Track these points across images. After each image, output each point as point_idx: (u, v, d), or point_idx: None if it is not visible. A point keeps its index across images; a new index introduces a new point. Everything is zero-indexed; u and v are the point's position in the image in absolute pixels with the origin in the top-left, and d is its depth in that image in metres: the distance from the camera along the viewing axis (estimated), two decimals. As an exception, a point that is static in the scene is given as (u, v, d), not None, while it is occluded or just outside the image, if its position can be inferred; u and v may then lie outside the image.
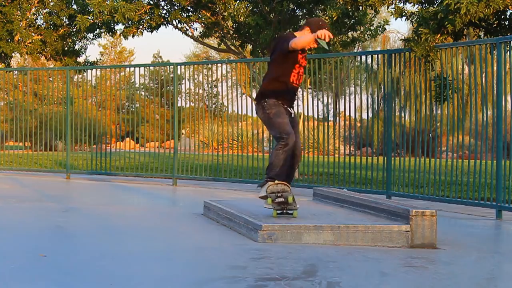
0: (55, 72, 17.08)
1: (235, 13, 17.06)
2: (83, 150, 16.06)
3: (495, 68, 9.46)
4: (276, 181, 6.49)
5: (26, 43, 19.43)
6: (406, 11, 11.23)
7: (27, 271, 4.86)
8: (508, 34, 10.36)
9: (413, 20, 11.30)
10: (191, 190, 12.46)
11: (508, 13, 10.58)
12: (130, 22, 17.14)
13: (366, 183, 11.64)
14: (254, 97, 6.93)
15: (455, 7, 9.69)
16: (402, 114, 11.22)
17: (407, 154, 10.83)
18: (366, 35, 18.06)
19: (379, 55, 11.68)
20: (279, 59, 6.67)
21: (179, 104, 14.41)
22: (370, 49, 37.79)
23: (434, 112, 10.96)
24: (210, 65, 15.43)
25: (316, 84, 12.67)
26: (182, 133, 16.09)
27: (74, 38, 20.49)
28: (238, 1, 17.25)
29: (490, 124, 9.66)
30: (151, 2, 17.52)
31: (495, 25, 10.61)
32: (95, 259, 5.36)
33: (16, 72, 17.89)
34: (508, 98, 10.82)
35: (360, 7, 11.70)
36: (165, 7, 18.01)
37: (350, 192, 8.52)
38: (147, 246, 6.06)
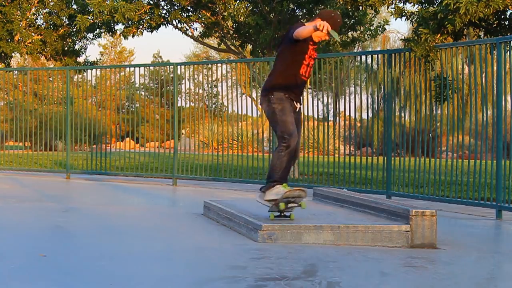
0: (55, 72, 17.08)
1: (235, 13, 17.06)
2: (83, 150, 16.05)
3: (495, 68, 9.46)
4: (294, 187, 6.33)
5: (26, 43, 19.43)
6: (406, 11, 11.23)
7: (27, 271, 4.86)
8: (508, 34, 10.36)
9: (413, 20, 11.30)
10: (191, 190, 12.46)
11: (508, 13, 10.58)
12: (130, 22, 17.14)
13: (366, 183, 11.64)
14: (261, 89, 6.65)
15: (455, 6, 9.69)
16: (402, 114, 11.22)
17: (407, 154, 10.83)
18: (366, 35, 18.07)
19: (379, 55, 11.68)
20: (288, 50, 6.43)
21: (179, 104, 14.42)
22: (370, 49, 37.79)
23: (434, 112, 10.96)
24: (210, 65, 15.44)
25: (316, 84, 12.67)
26: (182, 133, 16.09)
27: (74, 38, 20.49)
28: (238, 1, 17.25)
29: (490, 124, 9.66)
30: (151, 2, 17.51)
31: (495, 25, 10.62)
32: (95, 259, 5.36)
33: (16, 72, 17.89)
34: (508, 98, 10.82)
35: (360, 7, 11.70)
36: (165, 7, 18.01)
37: (350, 192, 8.52)
38: (147, 246, 6.06)
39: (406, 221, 6.28)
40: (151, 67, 17.77)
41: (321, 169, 12.42)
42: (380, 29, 18.31)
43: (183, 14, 17.96)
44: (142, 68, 15.91)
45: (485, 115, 9.57)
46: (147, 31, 17.98)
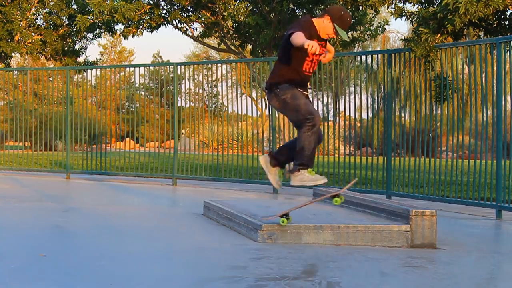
0: (55, 72, 17.08)
1: (235, 13, 17.08)
2: (83, 150, 16.06)
3: (495, 68, 9.46)
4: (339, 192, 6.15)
5: (26, 43, 19.44)
6: (406, 11, 11.24)
7: (27, 271, 4.86)
8: (508, 34, 10.36)
9: (413, 20, 11.31)
10: (191, 190, 12.46)
11: (508, 13, 10.59)
12: (130, 22, 17.15)
13: (366, 183, 11.64)
14: (264, 87, 6.44)
15: (454, 6, 9.69)
16: (402, 114, 11.22)
17: (407, 154, 10.83)
18: (366, 35, 18.08)
19: (379, 55, 11.68)
20: (290, 46, 6.06)
21: (179, 104, 14.42)
22: (370, 49, 37.79)
23: (434, 112, 10.96)
24: (210, 65, 15.43)
25: (316, 84, 12.67)
26: (182, 133, 16.09)
27: (74, 38, 20.50)
28: (238, 1, 17.26)
29: (490, 124, 9.66)
30: (151, 2, 17.52)
31: (495, 25, 10.62)
32: (95, 259, 5.36)
33: (16, 72, 17.89)
34: (508, 98, 10.82)
35: (360, 7, 11.71)
36: (165, 7, 18.02)
37: (350, 192, 8.52)
38: (147, 246, 6.06)
39: (406, 221, 6.28)
40: (151, 67, 17.77)
41: (321, 169, 12.42)
42: (380, 29, 18.33)
43: (183, 14, 17.98)
44: (142, 68, 15.91)
45: (485, 115, 9.57)
46: (147, 31, 18.00)
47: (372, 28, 18.09)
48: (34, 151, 16.24)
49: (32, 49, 19.54)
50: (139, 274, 4.82)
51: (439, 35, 10.25)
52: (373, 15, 17.79)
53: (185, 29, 18.79)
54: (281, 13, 17.05)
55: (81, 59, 21.08)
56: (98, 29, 18.94)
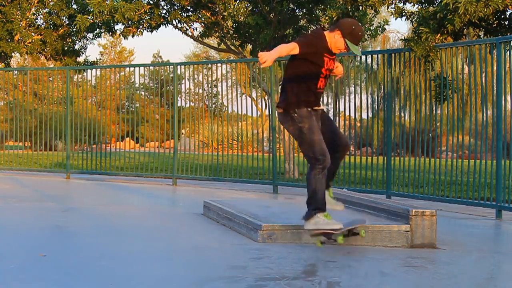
0: (55, 72, 17.08)
1: (235, 13, 17.06)
2: (83, 150, 16.06)
3: (495, 68, 9.46)
4: (329, 228, 5.75)
5: (26, 43, 19.43)
6: (406, 11, 11.23)
7: (27, 271, 4.87)
8: (508, 34, 10.36)
9: (413, 20, 11.31)
10: (191, 190, 12.46)
11: (508, 13, 10.58)
12: (130, 22, 17.14)
13: (366, 183, 11.64)
14: (277, 103, 6.03)
15: (454, 6, 9.69)
16: (402, 114, 11.23)
17: (407, 154, 10.83)
18: (366, 35, 18.06)
19: (379, 55, 11.68)
20: (301, 64, 5.81)
21: (179, 104, 14.42)
22: (370, 49, 37.80)
23: (434, 112, 10.96)
24: (210, 65, 15.43)
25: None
26: (182, 133, 16.09)
27: (74, 38, 20.48)
28: (238, 1, 17.25)
29: (490, 124, 9.66)
30: (151, 2, 17.51)
31: (495, 25, 10.62)
32: (95, 259, 5.36)
33: (16, 72, 17.89)
34: (508, 98, 10.81)
35: (360, 7, 11.70)
36: (165, 7, 18.00)
37: (350, 192, 8.52)
38: (147, 246, 6.06)
39: (406, 221, 6.28)
40: (151, 67, 17.77)
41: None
42: (380, 29, 18.31)
43: (183, 14, 17.96)
44: (142, 68, 15.91)
45: (485, 115, 9.57)
46: (147, 31, 17.97)
47: (372, 28, 18.07)
48: (34, 151, 16.24)
49: (32, 49, 19.52)
50: (139, 274, 4.82)
51: (439, 35, 10.25)
52: (373, 15, 17.78)
53: (185, 29, 18.77)
54: (281, 13, 17.04)
55: (81, 59, 21.07)
56: (98, 29, 18.91)
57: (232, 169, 13.16)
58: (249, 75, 14.07)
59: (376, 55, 12.01)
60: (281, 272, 4.92)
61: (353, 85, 11.98)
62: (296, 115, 5.80)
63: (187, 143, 15.44)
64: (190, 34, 19.04)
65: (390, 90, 10.94)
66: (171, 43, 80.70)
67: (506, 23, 10.61)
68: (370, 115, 11.81)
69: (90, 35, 20.29)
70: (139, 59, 64.67)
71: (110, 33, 18.74)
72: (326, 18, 14.89)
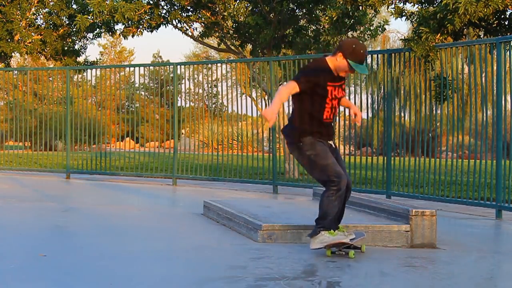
0: (55, 72, 17.07)
1: (235, 13, 17.06)
2: (83, 150, 16.06)
3: (495, 68, 9.46)
4: (339, 239, 5.55)
5: (26, 43, 19.43)
6: (406, 11, 11.23)
7: (27, 271, 4.87)
8: (508, 34, 10.36)
9: (413, 20, 11.31)
10: (191, 190, 12.46)
11: (508, 13, 10.59)
12: (130, 22, 17.14)
13: (366, 183, 11.64)
14: (282, 130, 5.89)
15: (454, 6, 9.69)
16: (402, 114, 11.23)
17: (407, 154, 10.83)
18: (366, 35, 18.06)
19: (379, 55, 11.68)
20: (304, 95, 5.60)
21: (179, 104, 14.42)
22: (370, 49, 37.81)
23: (434, 112, 10.96)
24: (210, 65, 15.43)
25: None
26: (182, 133, 16.09)
27: (74, 38, 20.48)
28: (238, 1, 17.26)
29: (490, 124, 9.66)
30: (151, 2, 17.51)
31: (494, 25, 10.62)
32: (95, 259, 5.36)
33: (16, 72, 17.89)
34: (508, 98, 10.82)
35: (360, 7, 11.70)
36: (165, 7, 18.01)
37: (350, 192, 8.51)
38: (147, 246, 6.06)
39: (406, 221, 6.28)
40: (151, 67, 17.77)
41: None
42: (380, 29, 18.31)
43: (183, 14, 17.96)
44: (142, 68, 15.91)
45: (485, 115, 9.57)
46: (147, 31, 17.97)
47: (372, 28, 18.07)
48: (34, 151, 16.24)
49: (32, 49, 19.52)
50: (139, 274, 4.82)
51: (439, 35, 10.25)
52: (373, 15, 17.78)
53: (185, 29, 18.77)
54: (281, 13, 17.04)
55: (81, 59, 21.07)
56: (98, 29, 18.92)
57: (232, 169, 13.16)
58: (249, 75, 14.07)
59: (376, 55, 12.01)
60: (281, 272, 4.92)
61: (353, 85, 11.98)
62: (301, 144, 5.61)
63: (187, 143, 15.44)
64: (190, 34, 19.04)
65: (390, 90, 10.94)
66: (171, 43, 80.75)
67: (506, 23, 10.61)
68: (370, 115, 11.81)
69: (90, 35, 20.29)
70: (139, 59, 64.73)
71: (110, 33, 18.74)
72: (326, 18, 14.89)
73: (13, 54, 20.20)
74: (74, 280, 4.62)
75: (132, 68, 16.35)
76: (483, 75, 9.60)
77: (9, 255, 5.44)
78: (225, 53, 32.50)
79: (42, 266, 5.02)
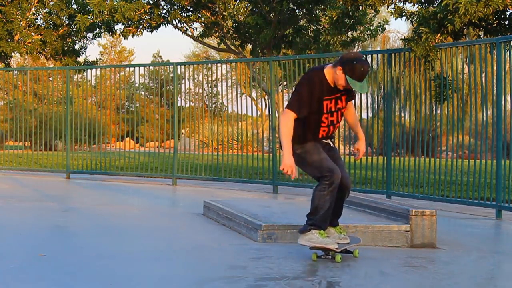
0: (55, 72, 17.08)
1: (235, 13, 17.08)
2: (83, 150, 16.06)
3: (495, 68, 9.46)
4: (328, 243, 5.37)
5: (26, 43, 19.44)
6: (406, 11, 11.23)
7: (27, 271, 4.87)
8: (508, 33, 10.36)
9: (413, 20, 11.31)
10: (191, 190, 12.46)
11: (508, 13, 10.59)
12: (130, 21, 17.15)
13: (366, 183, 11.64)
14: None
15: (454, 7, 9.69)
16: (402, 114, 11.23)
17: (407, 154, 10.83)
18: (366, 34, 18.08)
19: (379, 55, 11.68)
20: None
21: (179, 104, 14.42)
22: (370, 49, 37.78)
23: (434, 112, 10.96)
24: (210, 65, 15.43)
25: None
26: (182, 133, 16.09)
27: (74, 38, 20.50)
28: (238, 1, 17.26)
29: (490, 124, 9.66)
30: (151, 2, 17.52)
31: (494, 24, 10.62)
32: (95, 259, 5.36)
33: (16, 71, 17.89)
34: (508, 97, 10.81)
35: (360, 7, 11.70)
36: (165, 7, 18.02)
37: (350, 192, 8.51)
38: (147, 246, 6.06)
39: (406, 221, 6.28)
40: (151, 67, 17.77)
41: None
42: (380, 29, 18.32)
43: (183, 14, 17.98)
44: (142, 68, 15.91)
45: (485, 115, 9.57)
46: (147, 31, 18.01)
47: (372, 28, 18.08)
48: (34, 151, 16.24)
49: (32, 49, 19.54)
50: (139, 274, 4.82)
51: (439, 34, 10.25)
52: (373, 15, 17.79)
53: (185, 29, 18.79)
54: (281, 13, 17.05)
55: (81, 59, 21.09)
56: (98, 29, 18.95)
57: (232, 169, 13.16)
58: (249, 75, 14.07)
59: (376, 55, 12.01)
60: (281, 272, 4.92)
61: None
62: (295, 150, 5.39)
63: (187, 143, 15.44)
64: (190, 34, 19.05)
65: (390, 90, 10.94)
66: (171, 43, 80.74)
67: (506, 23, 10.61)
68: (370, 115, 11.81)
69: (90, 35, 20.32)
70: (139, 59, 64.73)
71: (110, 33, 18.76)
72: (326, 18, 14.89)
73: (13, 54, 20.22)
74: (74, 280, 4.62)
75: (132, 68, 16.34)
76: (483, 75, 9.60)
77: (9, 255, 5.44)
78: (225, 53, 32.50)
79: (42, 266, 5.02)
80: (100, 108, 16.03)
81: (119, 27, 18.09)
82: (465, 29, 10.87)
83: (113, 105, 16.63)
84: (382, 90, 11.66)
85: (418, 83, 10.76)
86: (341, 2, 12.04)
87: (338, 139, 14.46)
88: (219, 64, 14.14)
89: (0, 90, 17.58)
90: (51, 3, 19.73)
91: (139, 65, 15.18)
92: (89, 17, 17.24)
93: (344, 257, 5.50)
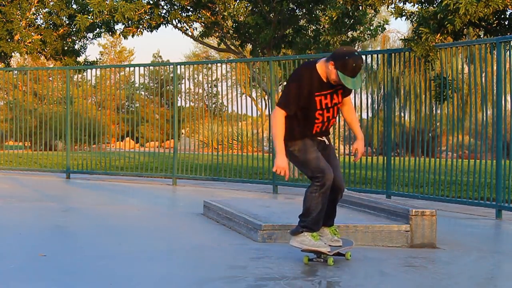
0: (55, 72, 17.08)
1: (235, 12, 17.07)
2: (83, 150, 16.06)
3: (495, 68, 9.46)
4: (319, 246, 5.26)
5: (26, 43, 19.43)
6: (406, 11, 11.23)
7: (27, 271, 4.87)
8: (508, 33, 10.36)
9: (413, 19, 11.31)
10: (191, 190, 12.46)
11: (508, 13, 10.59)
12: (130, 21, 17.15)
13: (366, 183, 11.64)
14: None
15: (454, 7, 9.69)
16: (402, 114, 11.23)
17: (407, 153, 10.83)
18: (366, 35, 18.07)
19: (379, 55, 11.68)
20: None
21: (179, 104, 14.42)
22: (370, 49, 37.79)
23: (434, 111, 10.96)
24: (210, 65, 15.43)
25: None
26: (182, 133, 16.09)
27: (74, 38, 20.49)
28: (238, 1, 17.26)
29: (490, 123, 9.66)
30: (151, 2, 17.52)
31: (494, 24, 10.62)
32: (95, 259, 5.36)
33: (16, 71, 17.89)
34: (508, 97, 10.82)
35: (360, 7, 11.70)
36: (165, 7, 18.02)
37: (350, 192, 8.52)
38: (147, 246, 6.06)
39: (406, 221, 6.29)
40: (151, 67, 17.77)
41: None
42: (380, 29, 18.32)
43: (183, 14, 17.97)
44: (142, 68, 15.91)
45: (485, 115, 9.57)
46: (147, 31, 17.99)
47: (372, 27, 18.08)
48: (34, 151, 16.24)
49: (32, 49, 19.53)
50: (139, 274, 4.82)
51: (439, 34, 10.25)
52: (373, 14, 17.79)
53: (185, 29, 18.78)
54: (281, 13, 17.05)
55: (81, 59, 21.08)
56: (98, 29, 18.95)
57: (232, 169, 13.16)
58: (249, 75, 14.06)
59: (376, 55, 12.01)
60: (281, 272, 4.92)
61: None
62: (287, 147, 5.26)
63: (187, 143, 15.44)
64: (190, 34, 19.04)
65: (390, 90, 10.94)
66: (171, 43, 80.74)
67: (506, 23, 10.61)
68: (370, 115, 11.81)
69: (90, 35, 20.30)
70: (139, 59, 64.72)
71: (110, 33, 18.75)
72: (326, 18, 14.89)
73: (13, 54, 20.21)
74: (74, 280, 4.62)
75: (132, 68, 16.34)
76: (483, 75, 9.60)
77: (9, 255, 5.44)
78: (225, 53, 32.51)
79: (42, 266, 5.02)
80: (100, 108, 16.03)
81: (119, 27, 18.09)
82: (465, 29, 10.87)
83: (113, 105, 16.63)
84: (382, 90, 11.66)
85: (418, 83, 10.76)
86: (341, 2, 12.04)
87: (338, 139, 14.47)
88: (219, 64, 14.13)
89: (0, 90, 17.58)
90: (51, 3, 19.72)
91: (139, 65, 15.18)
92: (89, 17, 17.23)
93: (344, 257, 5.50)
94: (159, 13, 17.56)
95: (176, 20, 18.12)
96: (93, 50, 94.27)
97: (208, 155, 14.17)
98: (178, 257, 5.61)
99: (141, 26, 17.58)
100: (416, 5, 11.21)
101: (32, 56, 20.28)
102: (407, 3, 11.23)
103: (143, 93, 22.24)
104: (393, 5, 11.25)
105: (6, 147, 16.37)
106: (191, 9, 17.99)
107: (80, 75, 18.68)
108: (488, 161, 10.22)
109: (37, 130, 16.36)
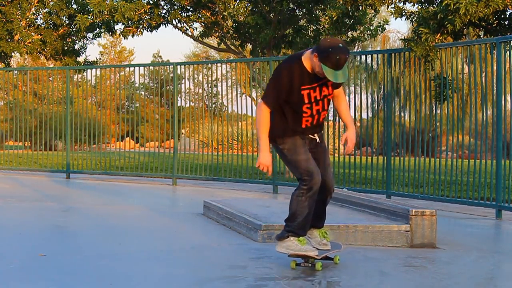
0: (55, 71, 17.08)
1: (235, 12, 17.08)
2: (83, 150, 16.06)
3: (495, 67, 9.46)
4: (307, 250, 5.07)
5: (26, 43, 19.44)
6: (406, 11, 11.23)
7: (27, 271, 4.87)
8: (508, 33, 10.36)
9: (413, 20, 11.31)
10: (191, 190, 12.46)
11: (508, 13, 10.59)
12: (130, 21, 17.15)
13: (366, 183, 11.64)
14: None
15: (454, 7, 9.69)
16: (402, 114, 11.23)
17: (407, 153, 10.83)
18: (366, 34, 18.08)
19: (379, 55, 11.68)
20: (278, 107, 5.05)
21: (179, 104, 14.42)
22: (370, 49, 37.78)
23: (434, 111, 10.96)
24: (210, 65, 15.43)
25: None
26: (182, 133, 16.09)
27: (74, 38, 20.50)
28: (238, 1, 17.27)
29: (490, 123, 9.66)
30: (151, 2, 17.53)
31: (494, 24, 10.62)
32: (95, 259, 5.36)
33: (16, 71, 17.89)
34: (508, 97, 10.81)
35: (360, 7, 11.70)
36: (165, 7, 18.02)
37: (350, 192, 8.53)
38: (147, 246, 6.06)
39: (406, 221, 6.29)
40: (151, 67, 17.77)
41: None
42: (380, 28, 18.32)
43: (183, 13, 17.98)
44: (142, 68, 15.91)
45: (485, 115, 9.57)
46: (147, 31, 18.01)
47: (372, 27, 18.09)
48: (34, 151, 16.24)
49: (32, 49, 19.54)
50: (139, 274, 4.82)
51: (439, 34, 10.25)
52: (373, 14, 17.80)
53: (185, 29, 18.78)
54: (281, 13, 17.05)
55: (81, 59, 21.09)
56: (98, 29, 18.96)
57: (232, 169, 13.16)
58: (249, 75, 14.07)
59: (376, 55, 12.01)
60: (281, 272, 4.92)
61: (353, 85, 11.98)
62: (275, 143, 5.12)
63: (187, 143, 15.44)
64: (190, 34, 19.05)
65: (390, 90, 10.94)
66: (171, 43, 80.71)
67: (506, 23, 10.61)
68: (370, 115, 11.81)
69: (90, 35, 20.31)
70: (139, 59, 64.68)
71: (110, 33, 18.76)
72: (326, 18, 14.90)
73: (13, 54, 20.22)
74: (74, 280, 4.62)
75: (132, 68, 16.34)
76: (483, 75, 9.60)
77: (9, 255, 5.44)
78: (225, 53, 32.52)
79: (42, 266, 5.02)
80: (100, 108, 16.03)
81: (119, 27, 18.10)
82: (465, 29, 10.87)
83: (113, 105, 16.63)
84: (382, 90, 11.66)
85: (418, 83, 10.76)
86: (341, 2, 12.03)
87: (338, 139, 14.47)
88: (219, 64, 14.14)
89: (0, 90, 17.58)
90: (51, 3, 19.74)
91: (139, 65, 15.18)
92: (89, 17, 17.24)
93: (344, 257, 5.50)
94: (159, 13, 17.57)
95: (176, 20, 18.13)
96: (93, 50, 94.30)
97: (208, 155, 14.17)
98: (178, 257, 5.61)
99: (141, 26, 17.59)
100: (416, 5, 11.21)
101: (32, 56, 20.29)
102: (407, 3, 11.23)
103: (143, 93, 22.24)
104: (393, 5, 11.26)
105: (6, 147, 16.37)
106: (191, 9, 17.99)
107: (80, 75, 18.69)
108: (488, 161, 10.22)
109: (37, 130, 16.36)
